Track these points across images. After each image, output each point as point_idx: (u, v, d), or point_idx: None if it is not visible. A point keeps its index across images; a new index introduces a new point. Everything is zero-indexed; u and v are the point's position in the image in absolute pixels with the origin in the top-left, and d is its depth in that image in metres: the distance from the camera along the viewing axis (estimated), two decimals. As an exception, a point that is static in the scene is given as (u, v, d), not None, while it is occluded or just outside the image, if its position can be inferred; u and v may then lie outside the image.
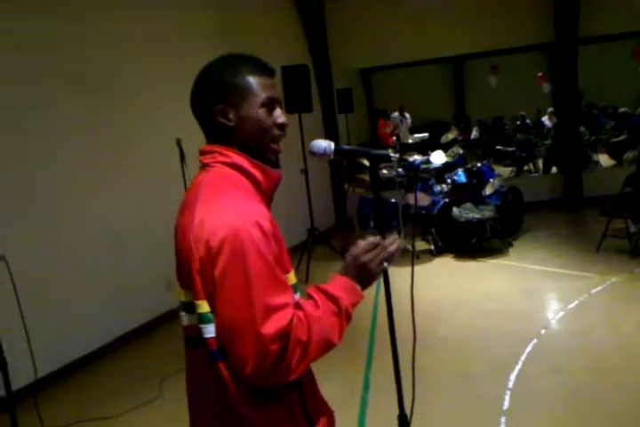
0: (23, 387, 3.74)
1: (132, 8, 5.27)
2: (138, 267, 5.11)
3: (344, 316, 1.29)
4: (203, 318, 1.25)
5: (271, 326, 1.16)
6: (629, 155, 10.89)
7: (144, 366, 4.48)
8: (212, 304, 1.23)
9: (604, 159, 11.51)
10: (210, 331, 1.25)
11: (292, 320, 1.20)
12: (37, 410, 3.26)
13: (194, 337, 1.31)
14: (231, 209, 1.23)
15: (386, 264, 1.39)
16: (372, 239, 1.38)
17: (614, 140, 11.75)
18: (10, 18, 4.16)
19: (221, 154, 1.34)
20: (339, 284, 1.33)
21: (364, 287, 1.38)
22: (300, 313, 1.23)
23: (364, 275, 1.36)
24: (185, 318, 1.35)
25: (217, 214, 1.23)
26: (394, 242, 1.42)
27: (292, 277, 1.36)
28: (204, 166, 1.37)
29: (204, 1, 6.35)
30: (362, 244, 1.36)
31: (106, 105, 4.95)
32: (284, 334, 1.18)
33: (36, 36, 4.30)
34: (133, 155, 5.22)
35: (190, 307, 1.29)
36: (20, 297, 3.10)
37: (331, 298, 1.28)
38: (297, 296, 1.35)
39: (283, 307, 1.20)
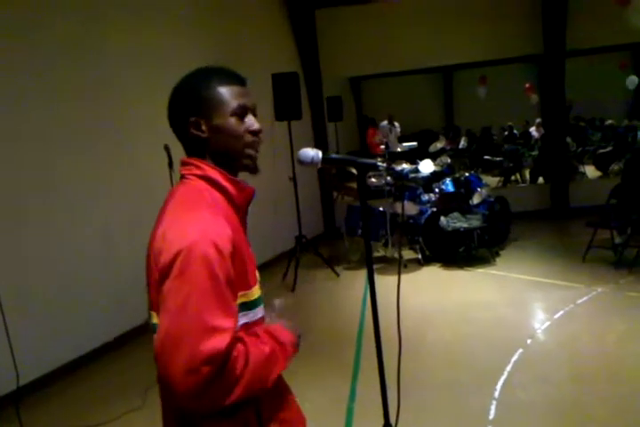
0: (5, 395, 3.69)
1: (124, 17, 5.26)
2: (125, 273, 5.06)
3: (282, 365, 1.32)
4: (155, 329, 1.25)
5: (207, 346, 1.13)
6: (615, 166, 11.02)
7: (128, 374, 4.43)
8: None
9: (591, 170, 11.64)
10: None
11: (229, 346, 1.17)
12: (19, 418, 3.21)
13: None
14: (193, 226, 1.22)
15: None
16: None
17: (600, 151, 11.88)
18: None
19: (197, 167, 1.36)
20: (283, 336, 1.36)
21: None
22: (241, 347, 1.22)
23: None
24: (152, 326, 1.37)
25: (178, 229, 1.23)
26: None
27: (254, 293, 1.36)
28: (181, 178, 1.40)
29: (195, 9, 6.36)
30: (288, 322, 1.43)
31: (97, 111, 4.93)
32: (219, 358, 1.14)
33: (32, 42, 4.29)
34: (123, 160, 5.19)
35: (156, 327, 1.30)
36: (3, 302, 3.06)
37: (278, 342, 1.32)
38: (260, 309, 1.38)
39: (224, 331, 1.16)
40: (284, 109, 6.52)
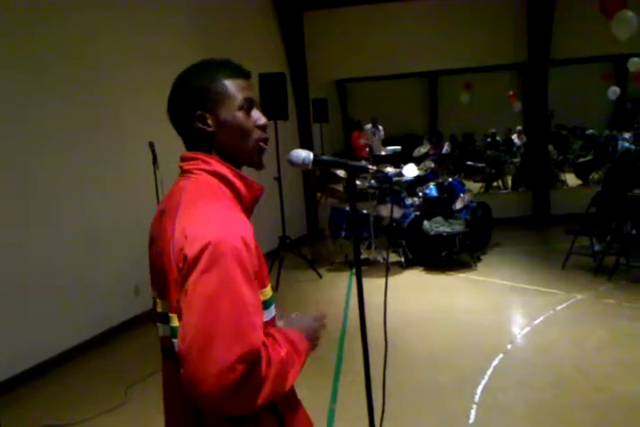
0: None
1: (113, 17, 5.21)
2: (107, 271, 5.01)
3: (297, 372, 1.25)
4: (175, 333, 1.18)
5: (243, 343, 1.08)
6: (595, 175, 11.18)
7: (110, 371, 4.38)
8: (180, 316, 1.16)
9: (571, 178, 11.79)
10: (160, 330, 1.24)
11: (263, 344, 1.14)
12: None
13: (169, 348, 1.27)
14: (216, 220, 1.17)
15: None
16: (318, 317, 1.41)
17: (581, 160, 12.04)
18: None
19: (204, 161, 1.30)
20: (301, 342, 1.30)
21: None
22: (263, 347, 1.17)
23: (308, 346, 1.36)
24: (161, 329, 1.30)
25: (200, 224, 1.16)
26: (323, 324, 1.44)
27: (268, 291, 1.32)
28: (184, 173, 1.33)
29: (184, 9, 6.32)
30: (312, 321, 1.39)
31: (82, 107, 4.87)
32: (253, 356, 1.10)
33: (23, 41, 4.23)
34: (107, 158, 5.13)
35: (165, 318, 1.26)
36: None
37: (294, 347, 1.26)
38: (273, 308, 1.32)
39: (258, 327, 1.13)
40: (271, 109, 6.51)
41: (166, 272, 1.21)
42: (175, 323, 1.18)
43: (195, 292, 1.11)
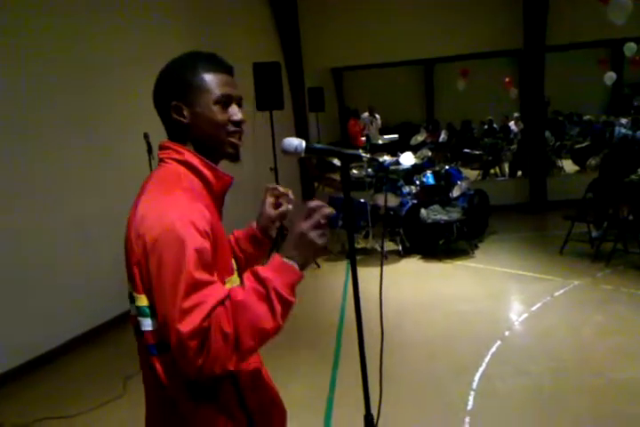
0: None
1: (108, 9, 5.16)
2: (103, 262, 5.00)
3: (274, 298, 1.19)
4: (140, 312, 1.27)
5: (187, 325, 1.14)
6: (592, 161, 11.16)
7: (108, 363, 4.39)
8: (150, 299, 1.24)
9: (568, 165, 11.77)
10: (146, 324, 1.28)
11: (208, 315, 1.16)
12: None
13: (135, 327, 1.34)
14: (171, 208, 1.22)
15: (322, 236, 1.26)
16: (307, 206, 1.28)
17: (578, 146, 12.01)
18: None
19: (176, 151, 1.35)
20: (270, 264, 1.24)
21: (306, 261, 1.27)
22: (227, 302, 1.19)
23: (304, 245, 1.25)
24: (131, 308, 1.35)
25: (156, 211, 1.23)
26: (322, 205, 1.30)
27: (236, 278, 1.36)
28: (159, 162, 1.39)
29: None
30: (302, 226, 1.27)
31: (77, 100, 4.84)
32: (201, 331, 1.15)
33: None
34: (102, 148, 5.11)
35: (132, 298, 1.31)
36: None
37: (258, 280, 1.21)
38: None
39: (200, 303, 1.16)
40: (266, 99, 6.47)
41: (129, 256, 1.27)
42: (141, 302, 1.27)
43: (156, 280, 1.19)
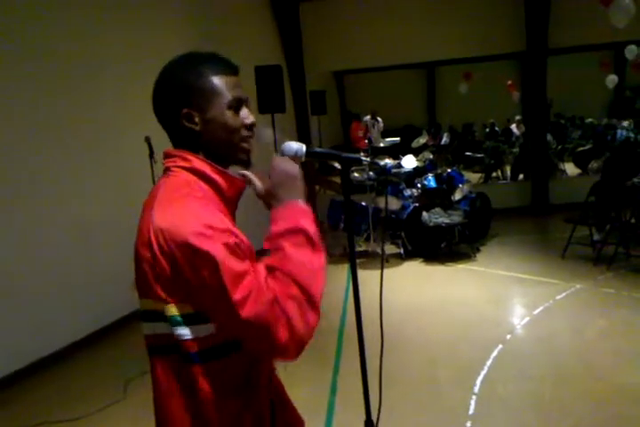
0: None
1: (108, 10, 5.16)
2: (105, 266, 5.00)
3: (302, 236, 1.22)
4: (173, 322, 1.21)
5: (249, 311, 1.13)
6: (594, 164, 11.13)
7: (109, 367, 4.38)
8: (195, 307, 1.20)
9: (570, 168, 11.75)
10: (184, 333, 1.21)
11: (263, 295, 1.14)
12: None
13: (156, 346, 1.28)
14: (188, 216, 1.18)
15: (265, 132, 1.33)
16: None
17: (580, 149, 11.99)
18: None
19: (182, 158, 1.30)
20: (273, 219, 1.27)
21: (295, 191, 1.30)
22: (272, 273, 1.19)
23: (280, 182, 1.30)
24: (148, 327, 1.29)
25: (173, 223, 1.17)
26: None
27: None
28: (165, 170, 1.33)
29: (177, 1, 6.26)
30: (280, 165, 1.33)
31: (78, 102, 4.84)
32: (266, 311, 1.13)
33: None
34: (104, 152, 5.12)
35: (151, 315, 1.25)
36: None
37: (277, 234, 1.23)
38: None
39: (249, 289, 1.14)
40: (268, 102, 6.46)
41: (145, 271, 1.21)
42: (171, 313, 1.20)
43: (194, 285, 1.15)
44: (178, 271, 1.16)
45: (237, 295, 1.12)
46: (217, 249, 1.13)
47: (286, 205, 1.27)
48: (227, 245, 1.15)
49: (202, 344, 1.22)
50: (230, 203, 1.34)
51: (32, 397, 3.96)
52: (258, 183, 1.34)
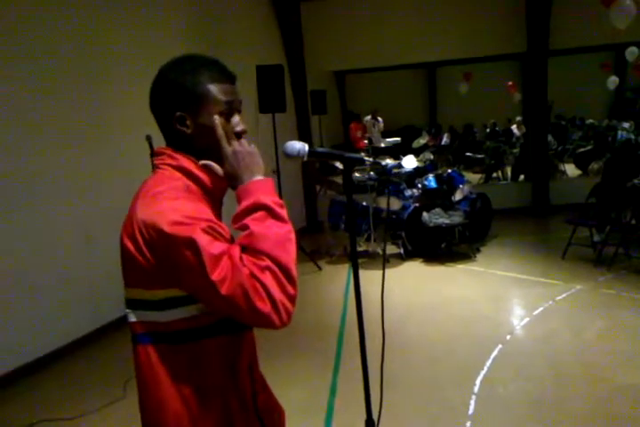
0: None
1: (110, 9, 5.16)
2: (105, 264, 4.99)
3: (265, 212, 1.24)
4: (158, 306, 1.30)
5: (227, 288, 1.16)
6: (594, 165, 11.14)
7: (108, 366, 4.38)
8: (180, 290, 1.25)
9: (571, 169, 11.76)
10: (169, 315, 1.29)
11: (238, 270, 1.17)
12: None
13: (141, 333, 1.38)
14: (169, 207, 1.22)
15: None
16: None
17: (580, 150, 12.00)
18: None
19: (170, 156, 1.35)
20: (238, 202, 1.29)
21: (250, 166, 1.31)
22: (244, 250, 1.21)
23: (235, 161, 1.31)
24: (130, 315, 1.39)
25: (155, 214, 1.21)
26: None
27: None
28: (154, 168, 1.38)
29: (179, 0, 6.26)
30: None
31: (79, 102, 4.84)
32: (242, 285, 1.16)
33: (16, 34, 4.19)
34: (104, 151, 5.11)
35: (136, 303, 1.34)
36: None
37: (242, 214, 1.25)
38: None
39: (226, 269, 1.17)
40: (269, 102, 6.48)
41: (131, 260, 1.27)
42: (157, 297, 1.28)
43: (179, 271, 1.20)
44: (161, 259, 1.22)
45: (216, 275, 1.16)
46: (196, 235, 1.17)
47: (247, 183, 1.30)
48: (204, 230, 1.19)
49: (188, 324, 1.29)
50: (215, 200, 1.39)
51: (31, 395, 3.96)
52: (219, 169, 1.35)
